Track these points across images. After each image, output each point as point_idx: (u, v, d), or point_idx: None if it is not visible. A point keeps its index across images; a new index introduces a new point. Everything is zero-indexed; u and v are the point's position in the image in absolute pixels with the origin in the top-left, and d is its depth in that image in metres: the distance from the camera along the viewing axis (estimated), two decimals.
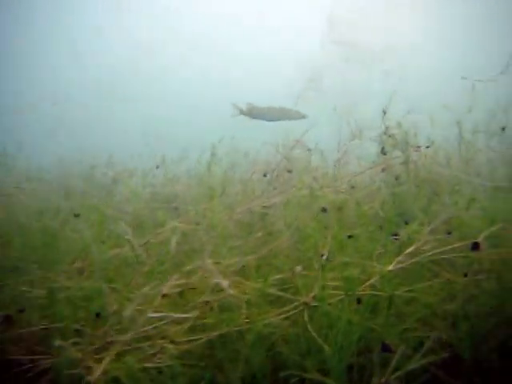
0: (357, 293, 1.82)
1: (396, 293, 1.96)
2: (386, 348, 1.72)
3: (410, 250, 2.00)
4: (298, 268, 1.84)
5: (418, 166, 3.09)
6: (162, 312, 1.56)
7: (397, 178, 3.10)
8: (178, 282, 1.68)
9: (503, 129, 3.18)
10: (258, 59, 5.18)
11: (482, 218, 2.25)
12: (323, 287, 1.79)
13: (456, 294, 2.03)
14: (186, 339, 1.70)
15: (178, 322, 1.68)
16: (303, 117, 4.10)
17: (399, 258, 1.96)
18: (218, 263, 1.78)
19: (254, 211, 2.91)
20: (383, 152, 3.11)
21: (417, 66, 3.58)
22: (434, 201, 2.89)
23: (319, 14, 4.49)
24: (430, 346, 1.86)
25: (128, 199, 4.14)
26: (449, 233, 2.34)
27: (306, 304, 1.78)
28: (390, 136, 3.18)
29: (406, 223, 2.55)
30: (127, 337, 1.50)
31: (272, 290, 1.74)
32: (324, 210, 2.63)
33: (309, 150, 3.50)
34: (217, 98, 4.96)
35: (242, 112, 4.39)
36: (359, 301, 1.78)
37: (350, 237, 2.34)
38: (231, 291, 1.51)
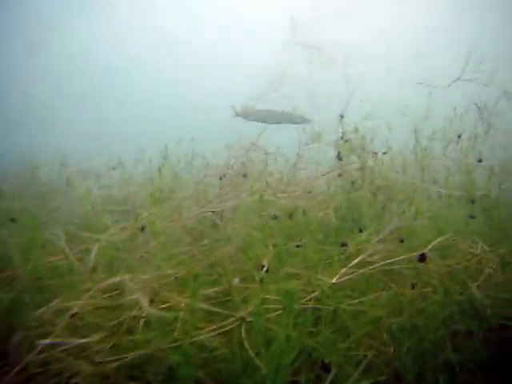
0: (298, 307, 1.71)
1: (341, 306, 1.87)
2: (325, 367, 1.62)
3: (356, 261, 1.91)
4: (236, 280, 1.72)
5: (375, 173, 3.03)
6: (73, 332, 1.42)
7: (353, 185, 3.03)
8: (92, 301, 1.53)
9: (459, 136, 3.15)
10: (220, 59, 5.05)
11: (433, 228, 2.19)
12: (262, 301, 1.67)
13: (403, 306, 1.96)
14: (109, 359, 1.55)
15: (100, 340, 1.53)
16: (306, 121, 3.96)
17: (344, 270, 1.86)
18: (145, 275, 1.64)
19: (204, 217, 2.79)
20: (339, 157, 3.03)
21: (377, 70, 3.53)
22: (388, 208, 2.83)
23: (283, 16, 4.40)
24: (374, 363, 1.78)
25: (80, 201, 3.94)
26: (401, 241, 2.27)
27: (242, 319, 1.66)
28: (346, 141, 3.11)
29: (360, 231, 2.48)
30: (34, 358, 1.35)
31: (204, 305, 1.61)
32: (275, 217, 2.53)
33: (266, 153, 3.40)
34: (177, 98, 4.81)
35: (237, 114, 4.23)
36: (299, 315, 1.68)
37: (298, 246, 2.24)
38: (150, 308, 1.37)
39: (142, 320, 1.56)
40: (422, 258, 1.91)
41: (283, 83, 4.07)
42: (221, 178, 3.30)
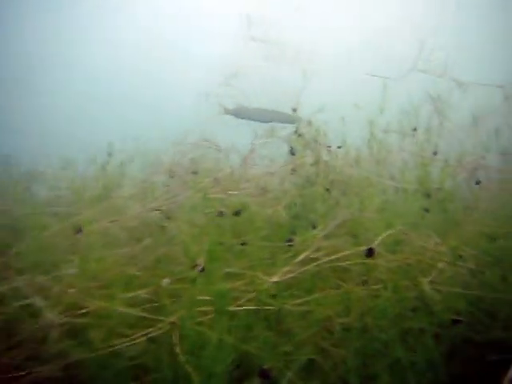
0: (235, 308, 1.57)
1: (286, 307, 1.74)
2: (264, 373, 1.49)
3: (300, 257, 1.79)
4: (165, 281, 1.57)
5: (329, 167, 2.93)
6: None
7: (307, 180, 2.93)
8: None
9: (414, 129, 3.09)
10: (175, 56, 4.88)
11: (386, 223, 2.09)
12: (195, 303, 1.53)
13: (352, 305, 1.84)
14: (21, 373, 1.38)
15: (8, 352, 1.35)
16: (300, 121, 3.80)
17: (288, 268, 1.74)
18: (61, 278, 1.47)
19: (149, 216, 2.63)
20: (292, 152, 2.92)
21: (332, 63, 3.45)
22: (342, 204, 2.73)
23: (239, 11, 4.28)
24: (320, 367, 1.66)
25: (19, 203, 3.70)
26: (353, 236, 2.17)
27: (173, 324, 1.50)
28: (300, 135, 3.01)
29: (314, 227, 2.36)
30: None
31: (124, 309, 1.45)
32: (220, 214, 2.39)
33: (218, 149, 3.26)
34: (129, 94, 4.61)
35: (227, 111, 4.05)
36: (235, 318, 1.54)
37: (243, 244, 2.10)
38: (50, 315, 1.21)
39: (58, 329, 1.39)
40: (370, 252, 1.80)
41: (238, 78, 3.94)
42: (172, 176, 3.14)
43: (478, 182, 2.81)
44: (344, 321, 1.83)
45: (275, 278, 1.69)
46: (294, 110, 3.05)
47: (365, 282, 1.88)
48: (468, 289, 2.04)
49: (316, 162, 2.92)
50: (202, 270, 1.62)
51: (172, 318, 1.51)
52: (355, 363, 1.69)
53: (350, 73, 3.15)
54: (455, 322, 2.01)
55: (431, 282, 1.97)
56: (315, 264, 1.79)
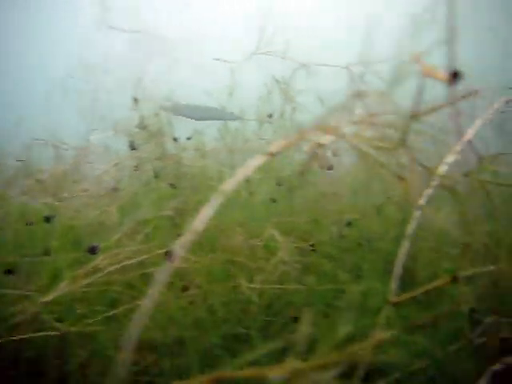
0: None
1: (73, 329, 1.46)
2: None
3: (86, 268, 1.51)
4: None
5: (177, 161, 2.68)
6: None
7: (154, 176, 2.66)
8: None
9: (270, 116, 2.93)
10: (28, 48, 4.39)
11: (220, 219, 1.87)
12: None
13: (164, 318, 1.60)
14: None
15: None
16: (236, 118, 3.46)
17: (65, 282, 1.45)
18: None
19: None
20: (132, 147, 2.63)
21: (178, 50, 3.21)
22: (189, 200, 2.50)
23: None
24: None
25: None
26: (179, 234, 1.93)
27: None
28: (144, 127, 2.73)
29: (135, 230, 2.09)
30: None
31: None
32: (30, 223, 2.05)
33: (54, 146, 2.88)
34: None
35: (165, 108, 3.63)
36: None
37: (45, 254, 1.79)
38: None
39: None
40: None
41: (98, 69, 3.58)
42: None
43: (330, 168, 2.70)
44: (157, 336, 1.58)
45: (49, 297, 1.40)
46: (136, 100, 2.76)
47: (176, 290, 1.65)
48: (304, 283, 1.89)
49: (161, 156, 2.66)
50: None
51: None
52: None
53: (196, 59, 2.92)
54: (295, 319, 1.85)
55: (256, 281, 1.79)
56: (100, 274, 1.52)
